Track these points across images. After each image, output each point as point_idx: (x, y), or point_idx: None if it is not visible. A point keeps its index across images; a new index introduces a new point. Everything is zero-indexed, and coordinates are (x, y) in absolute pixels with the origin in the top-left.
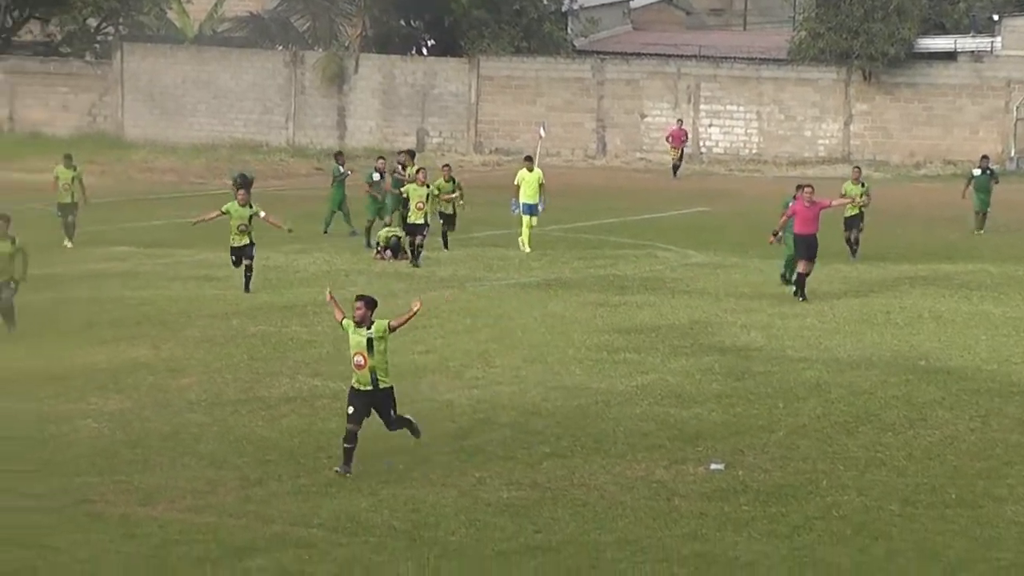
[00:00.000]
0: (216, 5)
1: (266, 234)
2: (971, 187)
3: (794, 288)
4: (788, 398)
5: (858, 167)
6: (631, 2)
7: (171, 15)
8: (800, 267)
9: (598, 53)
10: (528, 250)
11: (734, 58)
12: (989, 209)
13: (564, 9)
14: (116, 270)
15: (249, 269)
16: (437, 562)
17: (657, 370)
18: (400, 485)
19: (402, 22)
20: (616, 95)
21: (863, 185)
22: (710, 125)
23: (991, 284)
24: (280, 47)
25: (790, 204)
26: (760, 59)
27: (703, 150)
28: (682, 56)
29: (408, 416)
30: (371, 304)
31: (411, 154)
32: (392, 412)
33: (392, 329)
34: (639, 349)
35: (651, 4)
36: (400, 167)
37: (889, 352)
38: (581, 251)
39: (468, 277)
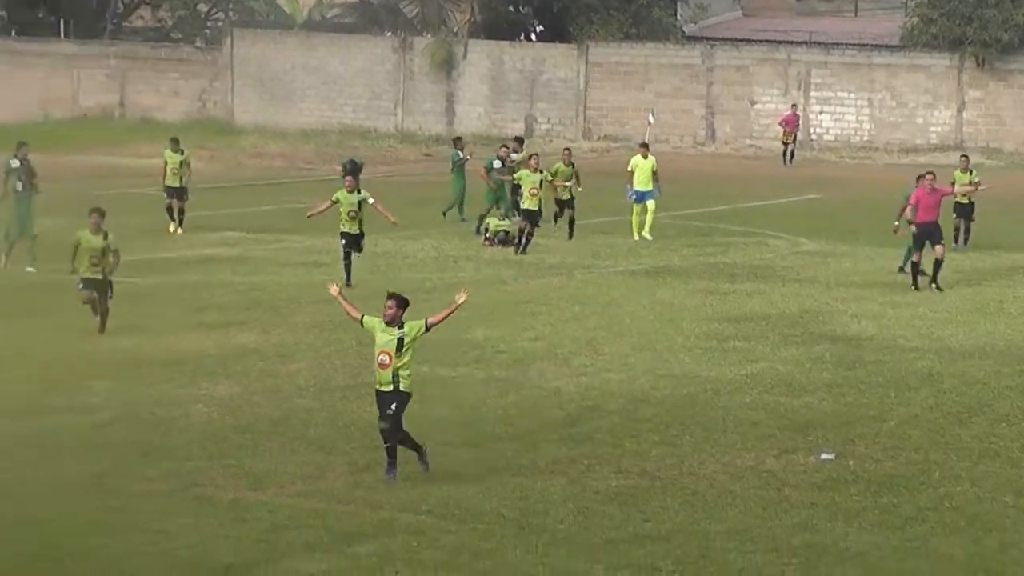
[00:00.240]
0: None
1: (375, 220)
2: None
3: (929, 277)
4: (900, 388)
5: (965, 156)
6: None
7: (280, 1)
8: (936, 253)
9: (707, 39)
10: (646, 238)
11: (845, 44)
12: None
13: None
14: (226, 255)
15: (348, 257)
16: (545, 549)
17: (767, 359)
18: (508, 472)
19: (510, 8)
20: (726, 81)
21: (971, 173)
22: (820, 112)
23: None
24: (389, 33)
25: (910, 195)
26: (872, 45)
27: (813, 137)
28: (792, 43)
29: (418, 441)
30: (402, 303)
31: (520, 141)
32: (392, 417)
33: (428, 328)
34: (748, 337)
35: None
36: (508, 154)
37: (1003, 342)
38: (690, 238)
39: (576, 264)
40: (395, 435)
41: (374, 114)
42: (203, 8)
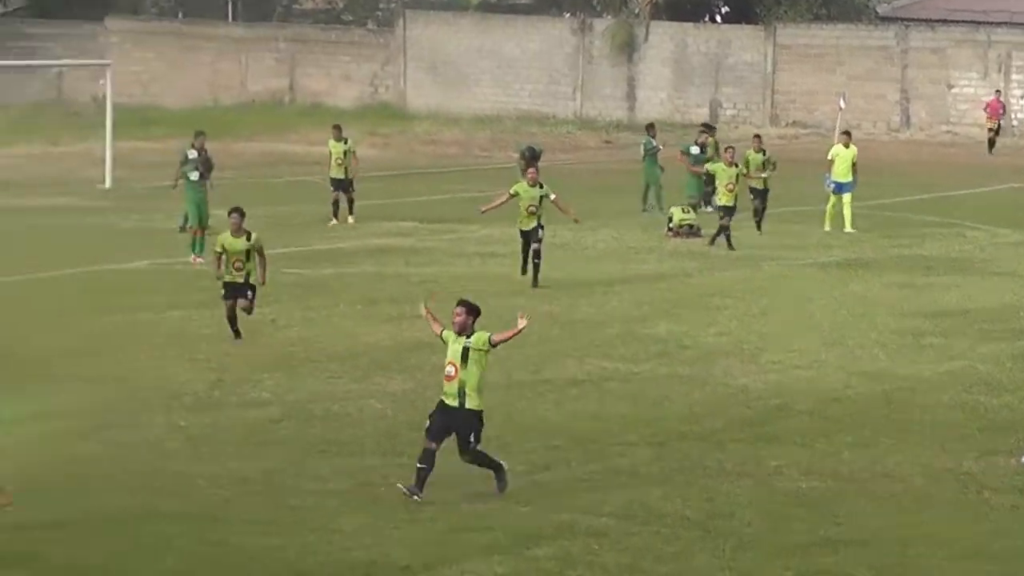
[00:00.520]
0: None
1: (554, 210)
2: None
3: None
4: None
5: None
6: None
7: None
8: None
9: (902, 20)
10: (849, 232)
11: None
12: None
13: None
14: (399, 246)
15: (537, 255)
16: (732, 554)
17: (965, 356)
18: (693, 473)
19: None
20: (921, 64)
21: None
22: (1022, 97)
23: None
24: (567, 14)
25: None
26: None
27: (1015, 123)
28: (992, 23)
29: (497, 459)
30: (473, 311)
31: (710, 128)
32: (471, 439)
33: (493, 344)
34: (946, 333)
35: None
36: (706, 140)
37: None
38: (884, 229)
39: (764, 256)
40: (469, 459)
41: (552, 99)
42: None
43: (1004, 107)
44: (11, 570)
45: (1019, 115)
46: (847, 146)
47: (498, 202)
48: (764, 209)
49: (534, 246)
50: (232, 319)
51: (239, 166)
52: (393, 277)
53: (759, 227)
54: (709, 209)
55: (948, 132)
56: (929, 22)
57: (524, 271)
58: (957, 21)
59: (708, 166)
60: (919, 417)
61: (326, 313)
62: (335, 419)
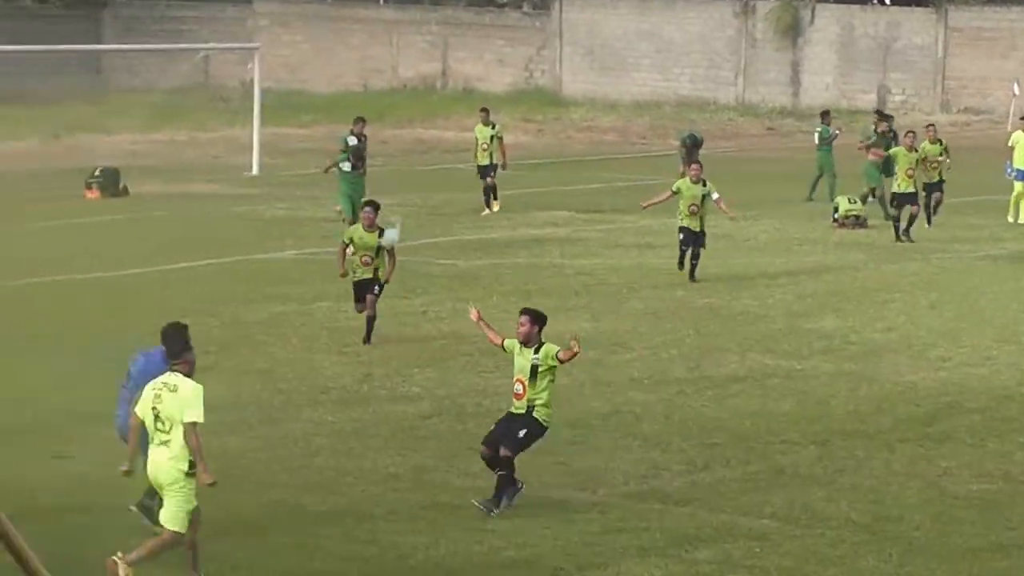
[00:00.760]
0: None
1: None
2: None
3: None
4: None
5: None
6: None
7: None
8: None
9: None
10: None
11: None
12: None
13: None
14: (554, 236)
15: (696, 257)
16: (900, 558)
17: None
18: (859, 474)
19: None
20: None
21: None
22: None
23: None
24: None
25: None
26: None
27: None
28: None
29: (518, 479)
30: (537, 319)
31: (883, 116)
32: (521, 435)
33: (561, 362)
34: None
35: None
36: (888, 128)
37: None
38: None
39: (933, 248)
40: (507, 463)
41: (712, 84)
42: None
43: None
44: (154, 567)
45: None
46: None
47: (660, 198)
48: (940, 204)
49: (694, 249)
50: (370, 319)
51: (390, 153)
52: (548, 268)
53: (929, 221)
54: (872, 199)
55: None
56: None
57: (682, 266)
58: None
59: (889, 150)
60: None
61: (479, 305)
62: (487, 415)
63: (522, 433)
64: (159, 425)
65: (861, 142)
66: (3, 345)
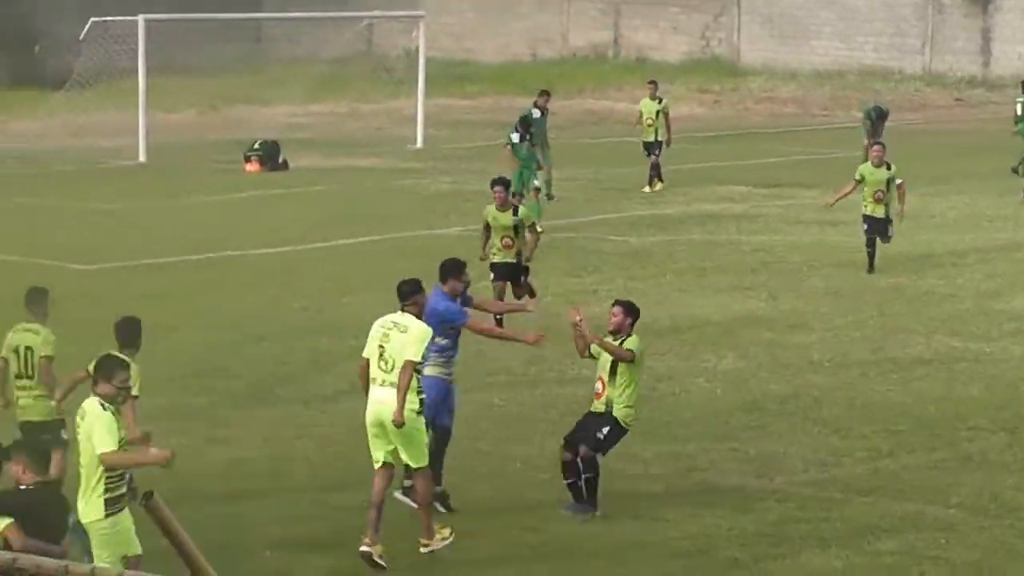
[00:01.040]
0: None
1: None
2: None
3: None
4: None
5: None
6: None
7: None
8: None
9: None
10: None
11: None
12: None
13: None
14: (730, 212)
15: (874, 245)
16: None
17: None
18: None
19: None
20: None
21: None
22: None
23: None
24: None
25: None
26: None
27: None
28: None
29: (598, 491)
30: (631, 312)
31: None
32: (598, 441)
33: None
34: None
35: None
36: None
37: None
38: None
39: None
40: (589, 463)
41: (898, 53)
42: None
43: None
44: (319, 553)
45: None
46: None
47: (844, 192)
48: None
49: (880, 240)
50: (500, 296)
51: (559, 125)
52: (724, 245)
53: None
54: None
55: None
56: None
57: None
58: None
59: None
60: None
61: (651, 284)
62: (659, 400)
63: (604, 432)
64: (382, 364)
65: None
66: (159, 322)
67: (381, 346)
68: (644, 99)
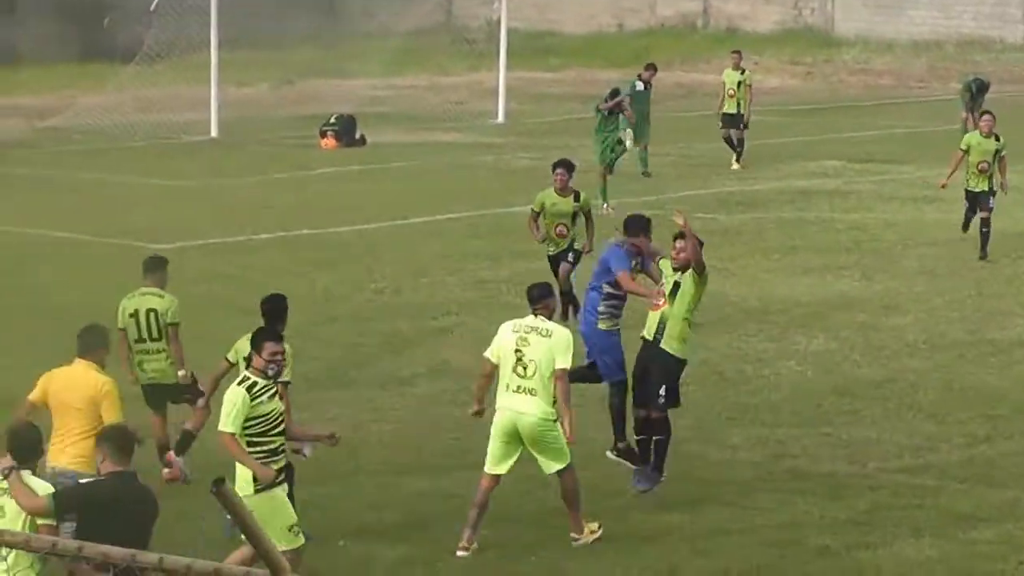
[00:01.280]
0: None
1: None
2: None
3: None
4: None
5: None
6: None
7: None
8: None
9: None
10: None
11: None
12: None
13: None
14: (823, 188)
15: (986, 224)
16: None
17: None
18: None
19: None
20: None
21: None
22: None
23: None
24: None
25: None
26: None
27: None
28: None
29: (666, 454)
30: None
31: None
32: (661, 403)
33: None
34: None
35: None
36: None
37: None
38: None
39: None
40: (660, 425)
41: (999, 23)
42: None
43: None
44: (393, 540)
45: None
46: None
47: (953, 165)
48: None
49: (982, 215)
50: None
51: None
52: (815, 223)
53: None
54: None
55: None
56: None
57: (966, 228)
58: None
59: None
60: None
61: (740, 264)
62: (748, 382)
63: (662, 392)
64: (519, 369)
65: None
66: (234, 302)
67: (519, 350)
68: (727, 69)
